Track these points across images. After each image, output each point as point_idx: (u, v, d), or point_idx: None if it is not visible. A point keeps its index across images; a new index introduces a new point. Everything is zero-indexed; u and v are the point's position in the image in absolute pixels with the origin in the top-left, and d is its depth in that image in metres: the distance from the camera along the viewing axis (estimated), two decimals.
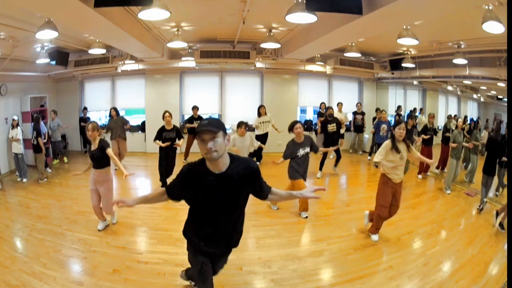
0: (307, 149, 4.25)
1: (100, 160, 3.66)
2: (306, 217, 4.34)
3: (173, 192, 1.92)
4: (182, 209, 5.03)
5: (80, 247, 3.48)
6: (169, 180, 5.67)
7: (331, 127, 6.35)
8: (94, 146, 3.67)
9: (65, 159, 7.61)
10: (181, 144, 5.45)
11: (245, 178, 1.83)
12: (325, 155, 6.43)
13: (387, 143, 3.48)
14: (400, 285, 2.90)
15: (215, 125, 1.69)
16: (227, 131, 1.87)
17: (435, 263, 3.23)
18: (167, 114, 5.30)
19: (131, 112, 9.53)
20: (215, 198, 1.80)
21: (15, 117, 6.14)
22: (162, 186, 5.46)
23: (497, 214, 4.16)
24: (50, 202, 4.94)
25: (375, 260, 3.37)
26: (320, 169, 6.43)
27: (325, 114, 6.66)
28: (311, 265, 3.21)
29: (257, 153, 7.05)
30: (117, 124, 6.78)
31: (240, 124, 4.87)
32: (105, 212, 3.93)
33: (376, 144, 7.10)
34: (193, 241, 1.99)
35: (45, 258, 3.22)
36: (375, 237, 3.76)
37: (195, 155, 7.11)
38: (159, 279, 2.91)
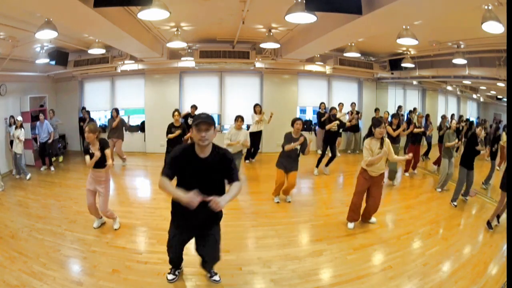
0: (298, 147, 4.54)
1: (101, 160, 3.64)
2: (290, 201, 4.89)
3: (170, 171, 2.26)
4: None
5: (80, 247, 3.48)
6: None
7: (333, 127, 6.52)
8: (95, 148, 3.63)
9: (60, 158, 7.55)
10: (187, 138, 5.86)
11: (220, 165, 2.28)
12: (323, 153, 6.54)
13: (367, 141, 3.81)
14: (400, 285, 2.90)
15: (211, 120, 2.21)
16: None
17: (435, 263, 3.23)
18: (176, 113, 5.99)
19: (130, 112, 9.51)
20: (197, 177, 2.24)
21: (19, 118, 6.19)
22: None
23: (490, 223, 4.13)
24: (49, 202, 4.94)
25: (374, 260, 3.38)
26: (317, 166, 6.55)
27: (329, 114, 6.82)
28: (311, 265, 3.21)
29: (252, 153, 7.36)
30: (119, 126, 6.90)
31: (237, 118, 5.29)
32: (101, 211, 3.90)
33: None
34: (177, 215, 2.50)
35: (44, 258, 3.22)
36: (351, 225, 4.05)
37: None
38: (159, 279, 2.91)
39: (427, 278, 2.97)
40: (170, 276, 2.91)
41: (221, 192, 2.35)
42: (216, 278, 2.90)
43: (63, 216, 4.35)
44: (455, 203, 4.90)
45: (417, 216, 4.53)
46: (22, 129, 6.09)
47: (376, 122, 3.77)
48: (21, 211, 4.59)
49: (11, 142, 6.21)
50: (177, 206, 2.42)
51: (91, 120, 7.85)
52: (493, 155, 5.56)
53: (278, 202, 4.86)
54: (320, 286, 2.90)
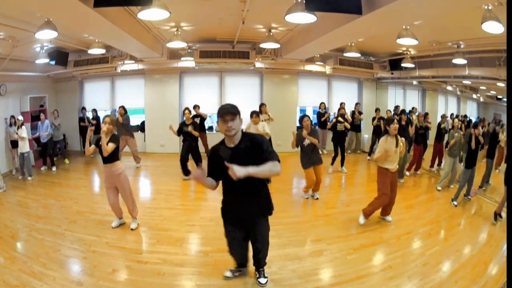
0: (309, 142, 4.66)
1: (110, 154, 3.62)
2: (317, 198, 5.02)
3: (210, 171, 2.34)
4: (181, 209, 5.03)
5: (80, 247, 3.48)
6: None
7: (340, 126, 6.70)
8: (107, 139, 3.60)
9: (66, 160, 7.63)
10: (191, 130, 5.85)
11: (252, 150, 2.25)
12: (336, 152, 6.75)
13: (383, 138, 3.96)
14: (400, 285, 2.90)
15: (235, 109, 2.24)
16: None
17: (435, 263, 3.23)
18: (186, 111, 6.03)
19: (130, 112, 9.46)
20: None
21: (20, 118, 6.21)
22: (184, 174, 6.03)
23: (496, 214, 4.21)
24: (49, 202, 4.94)
25: (374, 260, 3.38)
26: (332, 163, 6.72)
27: (339, 113, 6.96)
28: (311, 265, 3.21)
29: None
30: (124, 123, 6.88)
31: (252, 114, 5.46)
32: (131, 211, 3.91)
33: None
34: (224, 212, 2.53)
35: (44, 258, 3.22)
36: (363, 220, 4.09)
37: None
38: (159, 279, 2.91)
39: (427, 278, 2.97)
40: (228, 273, 2.91)
41: (260, 181, 2.38)
42: (262, 280, 2.82)
43: (63, 216, 4.35)
44: (455, 203, 4.90)
45: (417, 216, 4.53)
46: (23, 127, 6.10)
47: (388, 120, 3.98)
48: (21, 211, 4.59)
49: (12, 143, 6.21)
50: (225, 203, 2.52)
51: (97, 119, 7.91)
52: (490, 154, 5.56)
53: (307, 198, 5.03)
54: (320, 286, 2.90)
